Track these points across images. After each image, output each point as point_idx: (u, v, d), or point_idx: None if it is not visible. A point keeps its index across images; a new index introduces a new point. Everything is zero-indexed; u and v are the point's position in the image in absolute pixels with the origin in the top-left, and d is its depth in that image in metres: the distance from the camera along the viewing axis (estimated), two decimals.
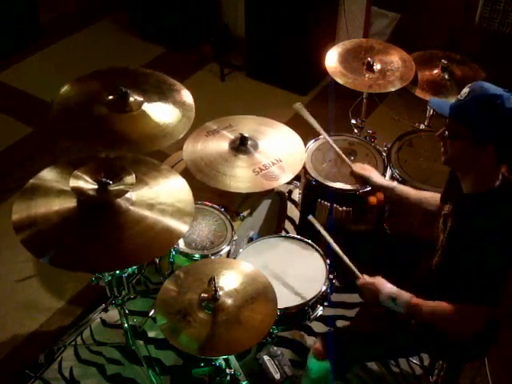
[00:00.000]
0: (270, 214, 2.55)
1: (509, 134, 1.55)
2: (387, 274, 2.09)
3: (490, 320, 1.77)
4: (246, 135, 2.27)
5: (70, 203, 1.81)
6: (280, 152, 2.31)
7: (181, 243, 2.19)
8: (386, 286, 1.79)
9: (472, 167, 1.65)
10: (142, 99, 2.24)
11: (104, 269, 1.92)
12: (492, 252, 1.59)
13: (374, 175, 2.20)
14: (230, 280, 1.85)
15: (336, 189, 2.44)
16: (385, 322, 1.87)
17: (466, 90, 1.60)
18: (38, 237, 1.73)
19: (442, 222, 1.82)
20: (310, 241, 2.23)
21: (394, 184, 2.16)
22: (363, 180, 2.23)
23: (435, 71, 2.69)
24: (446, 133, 1.65)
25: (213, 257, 2.15)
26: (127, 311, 2.28)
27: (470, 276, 1.62)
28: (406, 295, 1.75)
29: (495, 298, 1.63)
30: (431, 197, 2.06)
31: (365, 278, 1.87)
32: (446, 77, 2.65)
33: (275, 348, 2.15)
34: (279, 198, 2.58)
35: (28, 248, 1.71)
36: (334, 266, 2.12)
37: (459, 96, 1.62)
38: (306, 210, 2.73)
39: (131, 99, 2.22)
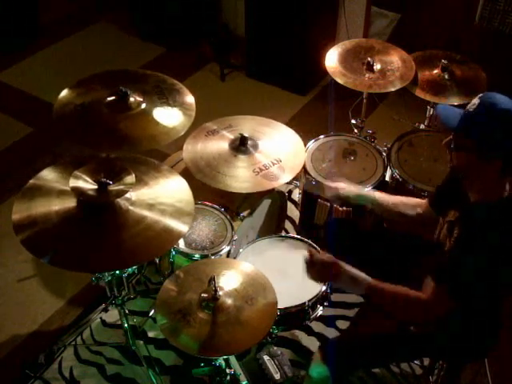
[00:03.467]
0: (270, 213, 2.55)
1: None
2: (387, 274, 2.09)
3: (491, 320, 1.78)
4: (246, 135, 2.27)
5: (70, 203, 1.81)
6: (280, 152, 2.31)
7: (181, 243, 2.19)
8: (348, 265, 1.72)
9: (477, 178, 1.64)
10: (141, 99, 2.24)
11: (104, 269, 1.92)
12: (488, 253, 1.58)
13: (342, 186, 2.12)
14: (230, 280, 1.85)
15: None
16: (384, 326, 1.87)
17: (475, 102, 1.56)
18: (38, 237, 1.73)
19: (446, 228, 1.80)
20: (309, 241, 2.23)
21: (367, 190, 2.14)
22: (336, 195, 2.14)
23: (435, 71, 2.69)
24: (453, 143, 1.63)
25: (213, 257, 2.15)
26: (127, 311, 2.28)
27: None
28: (366, 276, 1.71)
29: (468, 299, 1.62)
30: (408, 200, 2.04)
31: (318, 254, 1.77)
32: (446, 77, 2.65)
33: (275, 348, 2.15)
34: (279, 198, 2.58)
35: (28, 248, 1.71)
36: None
37: (468, 107, 1.58)
38: (306, 210, 2.73)
39: (131, 99, 2.22)
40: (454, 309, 1.63)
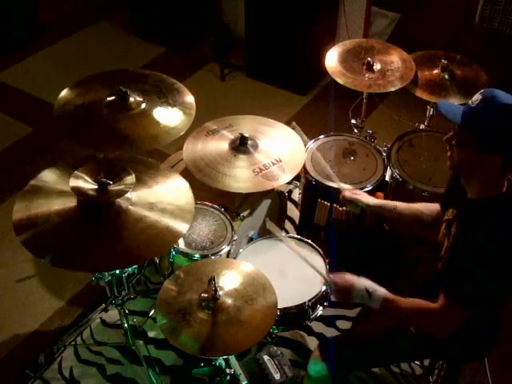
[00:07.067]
0: (270, 213, 2.55)
1: None
2: (387, 273, 2.09)
3: (490, 319, 1.77)
4: (246, 135, 2.27)
5: (71, 203, 1.81)
6: (280, 152, 2.31)
7: (181, 243, 2.19)
8: (360, 279, 1.75)
9: (477, 173, 1.65)
10: (141, 99, 2.24)
11: (104, 269, 1.92)
12: (490, 261, 1.58)
13: (365, 197, 2.16)
14: (230, 280, 1.85)
15: (336, 189, 2.44)
16: (385, 327, 1.87)
17: (477, 97, 1.57)
18: (39, 237, 1.73)
19: (444, 227, 1.80)
20: (309, 241, 2.23)
21: (385, 202, 2.13)
22: (354, 203, 2.18)
23: (435, 71, 2.69)
24: (454, 139, 1.63)
25: (213, 257, 2.15)
26: (127, 311, 2.28)
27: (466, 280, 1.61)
28: (382, 289, 1.71)
29: (481, 306, 1.63)
30: (425, 208, 2.03)
31: (332, 277, 1.83)
32: (446, 77, 2.64)
33: (275, 348, 2.15)
34: (279, 198, 2.58)
35: (29, 249, 1.71)
36: (335, 266, 2.12)
37: (470, 102, 1.59)
38: (306, 209, 2.73)
39: (131, 99, 2.22)
40: (470, 316, 1.61)
